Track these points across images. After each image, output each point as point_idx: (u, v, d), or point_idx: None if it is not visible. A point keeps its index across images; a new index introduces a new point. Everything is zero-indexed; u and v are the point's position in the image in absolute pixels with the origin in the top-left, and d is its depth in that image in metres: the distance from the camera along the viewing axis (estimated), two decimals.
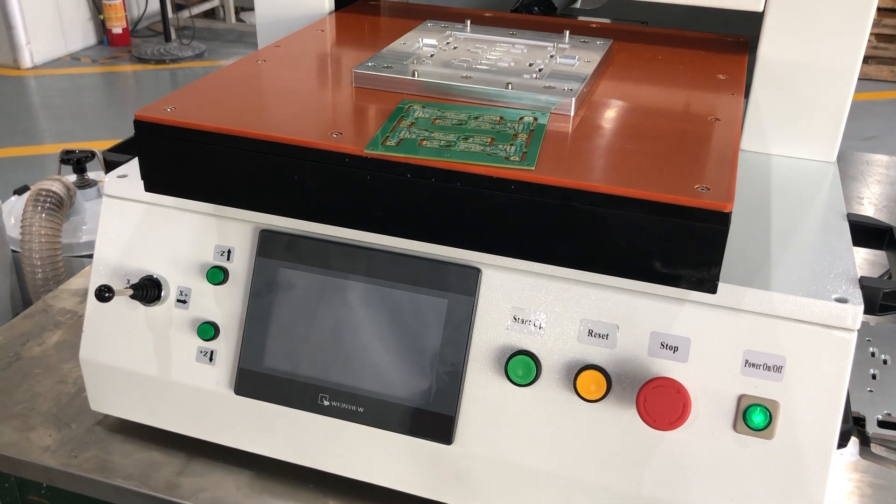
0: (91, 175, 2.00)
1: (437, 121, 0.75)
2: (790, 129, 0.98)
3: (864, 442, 0.96)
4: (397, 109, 0.77)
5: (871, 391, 1.00)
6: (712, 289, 0.65)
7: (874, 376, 1.03)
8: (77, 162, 1.94)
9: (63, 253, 1.78)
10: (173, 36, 5.67)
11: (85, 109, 4.59)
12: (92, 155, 1.96)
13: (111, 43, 5.70)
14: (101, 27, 5.71)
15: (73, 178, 1.96)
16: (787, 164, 0.98)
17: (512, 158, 0.68)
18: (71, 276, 1.79)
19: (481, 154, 0.69)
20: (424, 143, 0.71)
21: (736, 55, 0.97)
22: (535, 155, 0.69)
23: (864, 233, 0.86)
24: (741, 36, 1.04)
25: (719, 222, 0.63)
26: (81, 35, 5.65)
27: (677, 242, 0.64)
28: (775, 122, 0.98)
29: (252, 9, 6.39)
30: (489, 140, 0.71)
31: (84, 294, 1.19)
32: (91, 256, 1.91)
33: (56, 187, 1.80)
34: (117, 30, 5.67)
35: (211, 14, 6.34)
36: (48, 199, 1.75)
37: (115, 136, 4.05)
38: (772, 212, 0.86)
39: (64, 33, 5.50)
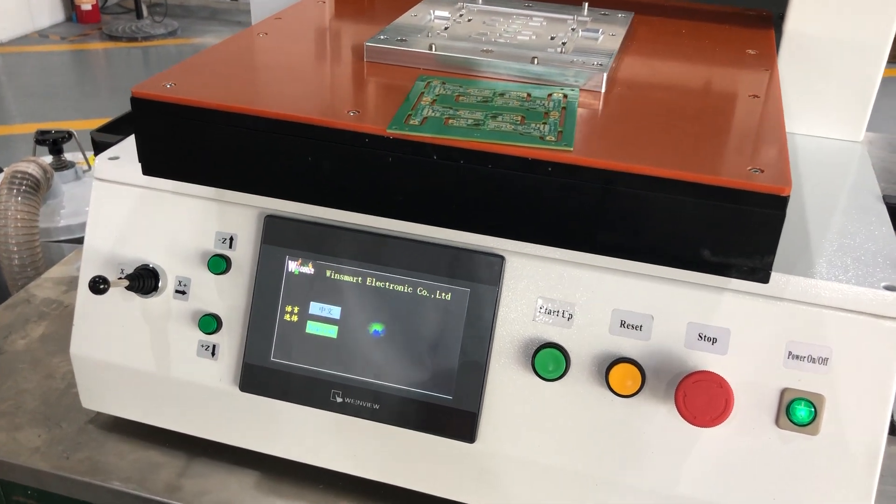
0: (68, 156, 1.92)
1: (461, 97, 0.70)
2: (817, 108, 0.94)
3: (893, 431, 0.93)
4: (416, 86, 0.72)
5: None
6: (765, 278, 0.61)
7: None
8: (53, 143, 1.85)
9: (40, 238, 1.70)
10: (145, 13, 5.53)
11: (55, 89, 4.45)
12: (69, 136, 1.87)
13: (80, 20, 5.54)
14: (70, 3, 5.55)
15: (48, 159, 1.87)
16: (813, 143, 0.94)
17: (547, 138, 0.63)
18: (49, 262, 1.72)
19: (513, 133, 0.64)
20: (451, 121, 0.65)
21: (762, 30, 0.93)
22: (572, 134, 0.64)
23: None
24: (763, 10, 1.00)
25: (776, 207, 0.58)
26: (49, 11, 5.48)
27: (730, 229, 0.60)
28: (801, 99, 0.94)
29: None
30: (519, 118, 0.66)
31: (69, 283, 1.13)
32: (70, 241, 1.84)
33: (32, 169, 1.71)
34: (87, 6, 5.51)
35: None
36: (24, 182, 1.67)
37: (87, 116, 3.94)
38: (804, 194, 0.82)
39: (31, 10, 5.33)
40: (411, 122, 0.65)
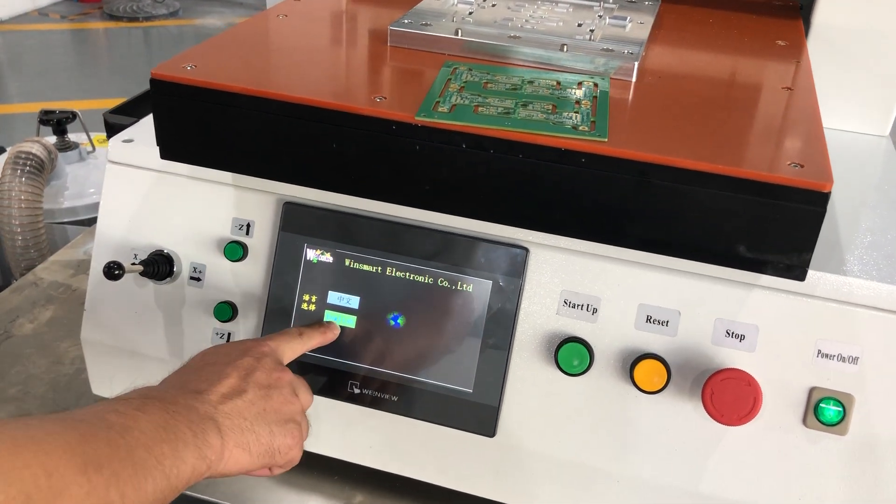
0: (72, 137, 1.90)
1: (489, 85, 0.68)
2: (843, 101, 0.92)
3: None
4: (442, 72, 0.70)
5: None
6: (801, 276, 0.60)
7: None
8: (57, 123, 1.83)
9: (44, 219, 1.68)
10: None
11: (55, 68, 4.41)
12: (73, 116, 1.84)
13: None
14: None
15: (52, 139, 1.85)
16: (838, 137, 0.92)
17: (581, 128, 0.61)
18: (52, 244, 1.70)
19: (545, 123, 0.62)
20: (480, 109, 0.64)
21: (790, 20, 0.91)
22: (606, 125, 0.62)
23: None
24: (789, 0, 0.98)
25: (817, 203, 0.57)
26: None
27: (768, 224, 0.58)
28: (826, 92, 0.91)
29: None
30: (551, 107, 0.64)
31: (76, 266, 1.11)
32: (73, 223, 1.82)
33: (36, 149, 1.69)
34: None
35: None
36: (28, 162, 1.65)
37: (87, 96, 3.90)
38: (833, 190, 0.80)
39: None
40: (440, 109, 0.63)
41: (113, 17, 5.22)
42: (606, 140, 0.60)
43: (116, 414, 0.53)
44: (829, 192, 0.56)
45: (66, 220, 1.79)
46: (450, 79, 0.69)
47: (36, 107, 2.09)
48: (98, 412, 0.54)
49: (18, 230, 1.63)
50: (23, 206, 1.62)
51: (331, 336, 0.74)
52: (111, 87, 4.04)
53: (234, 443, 0.59)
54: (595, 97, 0.67)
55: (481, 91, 0.67)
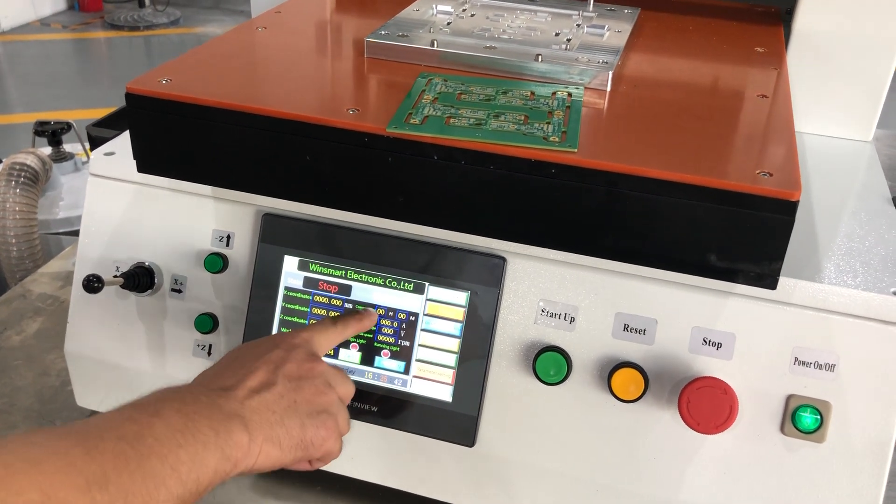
0: (67, 147, 1.90)
1: (463, 96, 0.68)
2: (826, 106, 0.92)
3: None
4: (417, 83, 0.70)
5: None
6: (772, 284, 0.60)
7: None
8: (52, 134, 1.83)
9: (39, 230, 1.69)
10: (147, 2, 5.49)
11: (56, 78, 4.43)
12: (68, 126, 1.85)
13: (82, 8, 5.51)
14: None
15: (47, 150, 1.86)
16: (822, 143, 0.92)
17: (551, 139, 0.61)
18: (48, 255, 1.70)
19: (516, 134, 0.62)
20: (452, 120, 0.64)
21: (770, 27, 0.91)
22: (576, 135, 0.62)
23: None
24: (771, 6, 0.98)
25: (785, 212, 0.57)
26: (51, 0, 5.46)
27: (737, 233, 0.58)
28: (809, 98, 0.92)
29: None
30: (523, 118, 0.65)
31: (65, 278, 1.12)
32: (68, 234, 1.82)
33: (30, 161, 1.70)
34: None
35: None
36: (22, 174, 1.66)
37: (88, 106, 3.92)
38: (812, 196, 0.80)
39: None
40: (412, 120, 0.64)
41: (114, 27, 5.24)
42: (576, 150, 0.60)
43: (130, 421, 0.52)
44: (797, 201, 0.56)
45: (61, 230, 1.80)
46: (424, 90, 0.69)
47: (38, 117, 2.09)
48: (112, 420, 0.52)
49: (13, 241, 1.64)
50: (17, 217, 1.63)
51: (368, 323, 0.73)
52: (112, 96, 4.05)
53: (264, 437, 0.58)
54: (568, 107, 0.67)
55: (455, 102, 0.67)
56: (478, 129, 0.63)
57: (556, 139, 0.61)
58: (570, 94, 0.69)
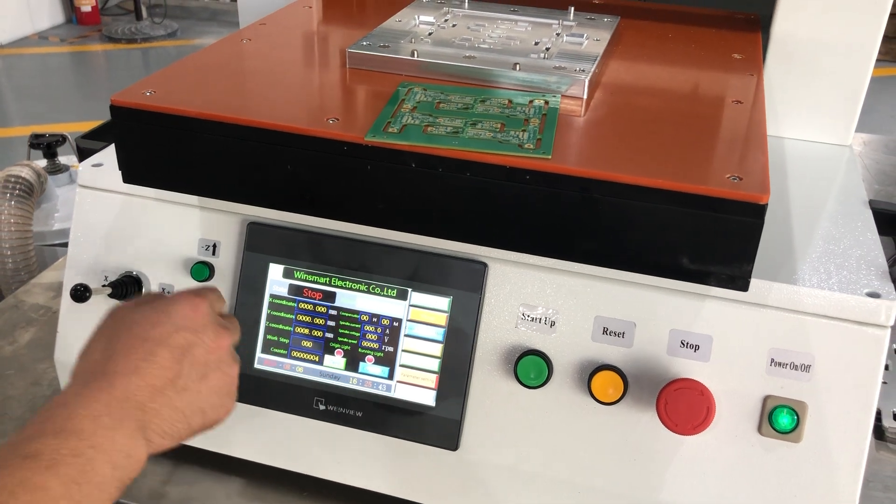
0: (62, 160, 1.91)
1: (441, 104, 0.70)
2: (805, 111, 0.93)
3: (880, 436, 0.92)
4: (396, 92, 0.72)
5: (885, 383, 0.97)
6: (744, 286, 0.61)
7: (887, 367, 0.99)
8: (47, 146, 1.85)
9: (34, 241, 1.70)
10: (144, 14, 5.52)
11: (54, 91, 4.45)
12: (63, 139, 1.87)
13: (80, 21, 5.54)
14: (70, 5, 5.55)
15: (43, 163, 1.87)
16: (801, 147, 0.93)
17: (526, 146, 0.63)
18: (43, 266, 1.72)
19: (492, 141, 0.63)
20: (430, 129, 0.65)
21: (749, 33, 0.92)
22: (551, 142, 0.63)
23: (888, 220, 0.82)
24: (751, 13, 0.99)
25: (754, 215, 0.58)
26: (49, 13, 5.49)
27: (708, 237, 0.59)
28: (789, 103, 0.93)
29: None
30: (499, 126, 0.66)
31: (57, 289, 1.13)
32: (64, 245, 1.84)
33: (26, 173, 1.71)
34: (86, 8, 5.51)
35: None
36: (17, 186, 1.67)
37: (86, 118, 3.93)
38: (790, 200, 0.81)
39: (31, 11, 5.33)
40: (390, 129, 0.65)
41: (112, 40, 5.26)
42: (550, 157, 0.61)
43: (30, 471, 0.48)
44: (766, 205, 0.57)
45: (56, 241, 1.81)
46: (403, 99, 0.70)
47: (36, 129, 2.11)
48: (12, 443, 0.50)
49: (9, 253, 1.65)
50: (12, 229, 1.64)
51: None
52: (99, 110, 4.06)
53: (160, 435, 0.57)
54: (545, 115, 0.68)
55: (433, 111, 0.68)
56: (454, 137, 0.64)
57: (531, 146, 0.63)
58: (546, 102, 0.70)
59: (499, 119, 0.67)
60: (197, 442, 0.83)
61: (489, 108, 0.69)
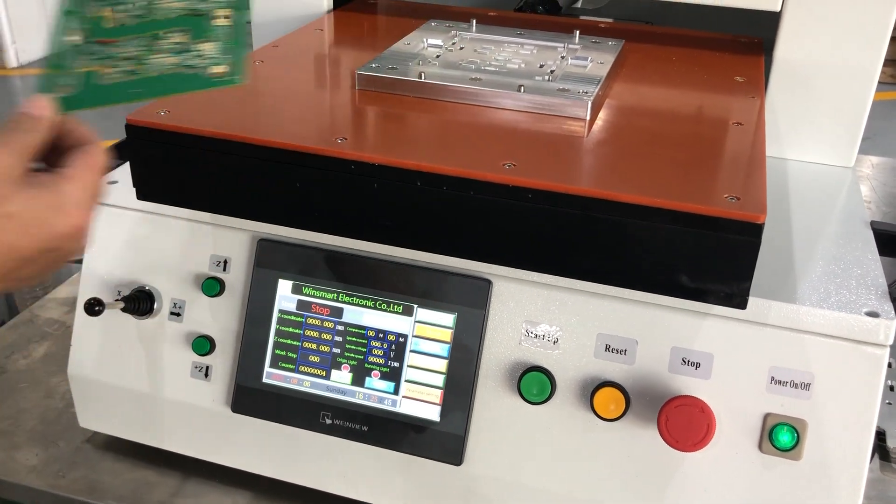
0: None
1: (112, 14, 0.53)
2: (807, 133, 0.95)
3: (885, 457, 0.92)
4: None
5: (889, 404, 0.97)
6: (742, 304, 0.62)
7: (892, 388, 1.00)
8: None
9: None
10: None
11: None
12: None
13: None
14: None
15: None
16: (804, 169, 0.95)
17: (214, 71, 0.54)
18: (57, 282, 1.74)
19: (175, 76, 0.53)
20: (106, 71, 0.53)
21: (752, 56, 0.94)
22: (241, 60, 0.54)
23: (889, 241, 0.83)
24: (755, 37, 1.01)
25: (751, 234, 0.59)
26: None
27: (706, 255, 0.61)
28: (792, 125, 0.94)
29: None
30: (185, 37, 0.54)
31: (72, 304, 1.15)
32: (78, 261, 1.86)
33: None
34: None
35: None
36: None
37: (103, 137, 3.98)
38: (792, 220, 0.82)
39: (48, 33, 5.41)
40: (62, 85, 0.53)
41: None
42: (240, 81, 0.55)
43: None
44: (763, 224, 0.59)
45: (71, 257, 1.83)
46: (65, 15, 0.53)
47: None
48: None
49: None
50: None
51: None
52: (108, 129, 4.09)
53: None
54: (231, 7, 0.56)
55: (105, 32, 0.53)
56: (133, 78, 0.53)
57: (222, 69, 0.54)
58: None
59: (184, 26, 0.54)
60: (205, 455, 0.85)
61: (172, 4, 0.54)
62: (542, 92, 0.76)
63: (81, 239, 0.55)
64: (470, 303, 0.75)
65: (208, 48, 0.55)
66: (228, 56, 0.56)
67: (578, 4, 1.32)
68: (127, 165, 0.88)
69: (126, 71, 0.54)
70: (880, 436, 0.93)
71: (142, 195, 0.74)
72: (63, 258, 0.55)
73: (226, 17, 0.56)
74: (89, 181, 0.54)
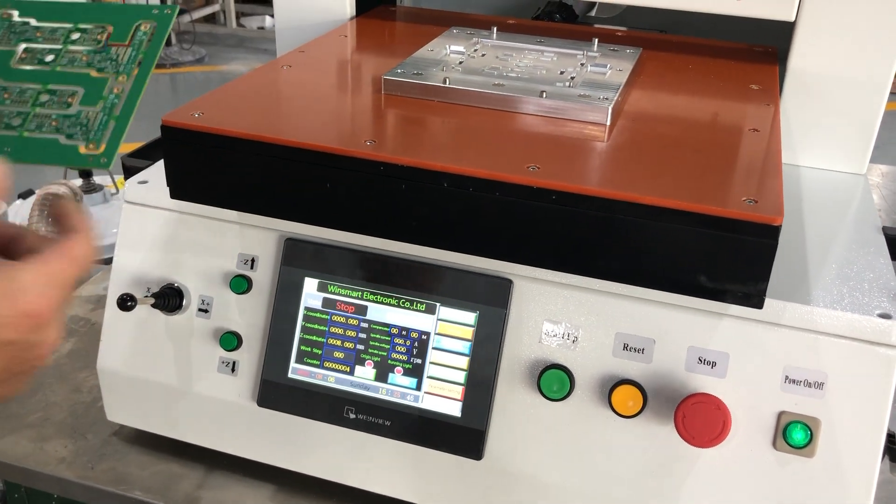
0: (97, 179, 1.98)
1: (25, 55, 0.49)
2: (821, 141, 0.96)
3: (895, 458, 0.94)
4: None
5: None
6: (759, 304, 0.64)
7: None
8: None
9: None
10: (174, 40, 5.65)
11: None
12: None
13: None
14: None
15: (78, 182, 1.94)
16: (817, 175, 0.97)
17: (88, 148, 0.50)
18: (77, 280, 1.77)
19: (52, 146, 0.49)
20: None
21: (766, 65, 0.96)
22: (116, 146, 0.50)
23: None
24: (769, 46, 1.03)
25: (769, 236, 0.61)
26: None
27: (724, 256, 0.63)
28: (805, 132, 0.96)
29: (253, 14, 6.38)
30: (72, 99, 0.51)
31: (96, 301, 1.17)
32: (107, 261, 1.89)
33: (62, 192, 1.77)
34: None
35: (211, 19, 6.32)
36: None
37: (134, 138, 4.01)
38: (805, 225, 0.84)
39: None
40: None
41: None
42: (107, 166, 0.52)
43: None
44: (780, 226, 0.61)
45: None
46: None
47: None
48: None
49: None
50: None
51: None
52: (139, 131, 4.12)
53: None
54: (140, 62, 0.52)
55: (6, 71, 0.51)
56: (9, 136, 0.50)
57: (94, 149, 0.50)
58: (148, 35, 0.54)
59: (77, 84, 0.51)
60: (230, 448, 0.87)
61: (76, 55, 0.52)
62: (564, 97, 0.78)
63: (44, 328, 0.48)
64: (491, 302, 0.77)
65: (92, 116, 0.52)
66: (106, 136, 0.52)
67: (594, 13, 1.34)
68: (156, 166, 0.91)
69: (5, 129, 0.50)
70: (891, 438, 0.95)
71: (175, 194, 0.76)
72: (30, 357, 0.49)
73: (119, 90, 0.53)
74: (56, 269, 0.50)
